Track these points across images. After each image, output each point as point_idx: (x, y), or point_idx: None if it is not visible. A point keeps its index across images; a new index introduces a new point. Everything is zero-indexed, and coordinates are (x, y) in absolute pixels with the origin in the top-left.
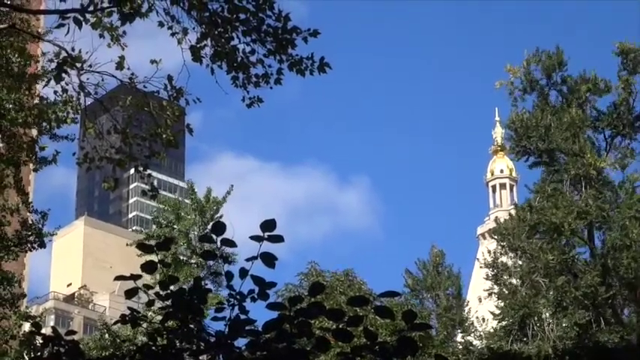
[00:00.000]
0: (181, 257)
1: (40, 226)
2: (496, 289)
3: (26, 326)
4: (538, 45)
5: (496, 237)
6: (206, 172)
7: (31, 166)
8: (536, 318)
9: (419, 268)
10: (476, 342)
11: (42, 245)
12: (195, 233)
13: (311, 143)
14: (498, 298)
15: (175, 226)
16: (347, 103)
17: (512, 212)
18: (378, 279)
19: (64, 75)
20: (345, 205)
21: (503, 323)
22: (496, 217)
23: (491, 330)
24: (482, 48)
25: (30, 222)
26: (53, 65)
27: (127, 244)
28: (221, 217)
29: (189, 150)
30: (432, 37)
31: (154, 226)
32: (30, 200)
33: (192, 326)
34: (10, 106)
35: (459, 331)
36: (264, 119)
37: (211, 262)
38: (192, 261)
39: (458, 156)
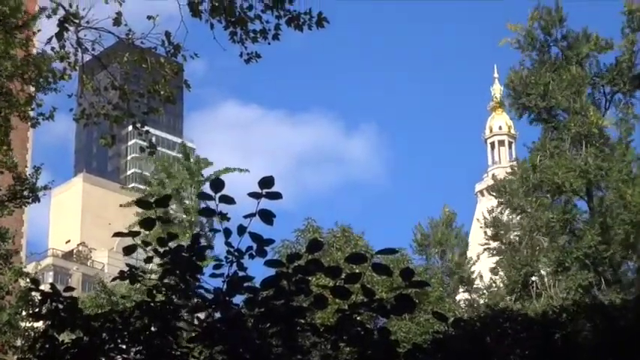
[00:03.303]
0: (173, 216)
1: (34, 180)
2: (495, 245)
3: (22, 282)
4: (541, 2)
5: (494, 194)
6: (209, 121)
7: (28, 123)
8: (538, 277)
9: (430, 225)
10: (476, 298)
11: (36, 200)
12: (191, 191)
13: (316, 90)
14: (498, 255)
15: (167, 186)
16: (351, 49)
17: (513, 169)
18: (382, 229)
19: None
20: (352, 153)
21: (506, 281)
22: (494, 174)
23: (493, 288)
24: (485, 3)
25: (23, 177)
26: (50, 21)
27: (120, 205)
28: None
29: (190, 99)
30: None
31: (148, 187)
32: (14, 159)
33: (190, 283)
34: (7, 62)
35: (462, 289)
36: (267, 66)
37: (205, 221)
38: (185, 217)
39: (456, 112)
